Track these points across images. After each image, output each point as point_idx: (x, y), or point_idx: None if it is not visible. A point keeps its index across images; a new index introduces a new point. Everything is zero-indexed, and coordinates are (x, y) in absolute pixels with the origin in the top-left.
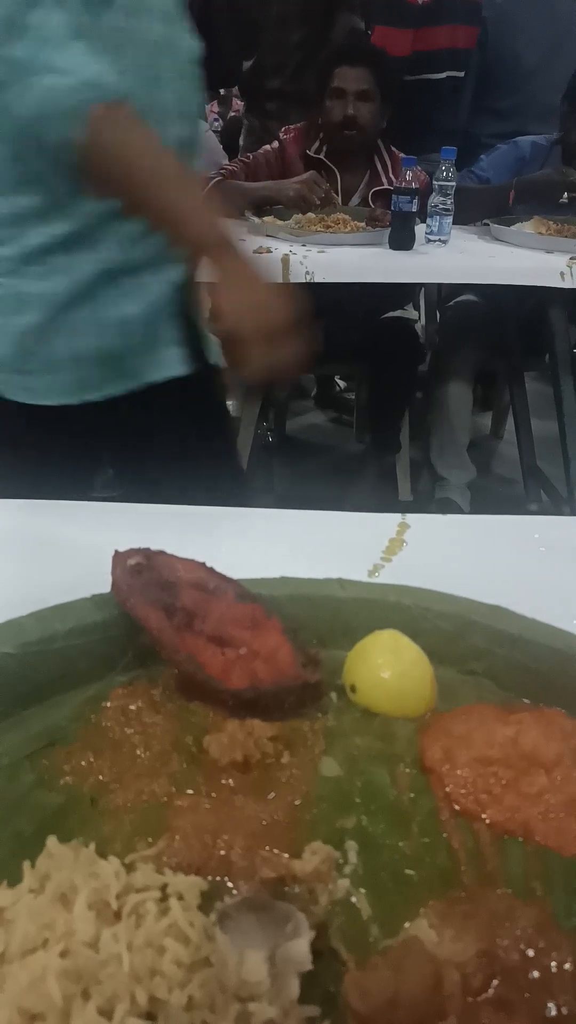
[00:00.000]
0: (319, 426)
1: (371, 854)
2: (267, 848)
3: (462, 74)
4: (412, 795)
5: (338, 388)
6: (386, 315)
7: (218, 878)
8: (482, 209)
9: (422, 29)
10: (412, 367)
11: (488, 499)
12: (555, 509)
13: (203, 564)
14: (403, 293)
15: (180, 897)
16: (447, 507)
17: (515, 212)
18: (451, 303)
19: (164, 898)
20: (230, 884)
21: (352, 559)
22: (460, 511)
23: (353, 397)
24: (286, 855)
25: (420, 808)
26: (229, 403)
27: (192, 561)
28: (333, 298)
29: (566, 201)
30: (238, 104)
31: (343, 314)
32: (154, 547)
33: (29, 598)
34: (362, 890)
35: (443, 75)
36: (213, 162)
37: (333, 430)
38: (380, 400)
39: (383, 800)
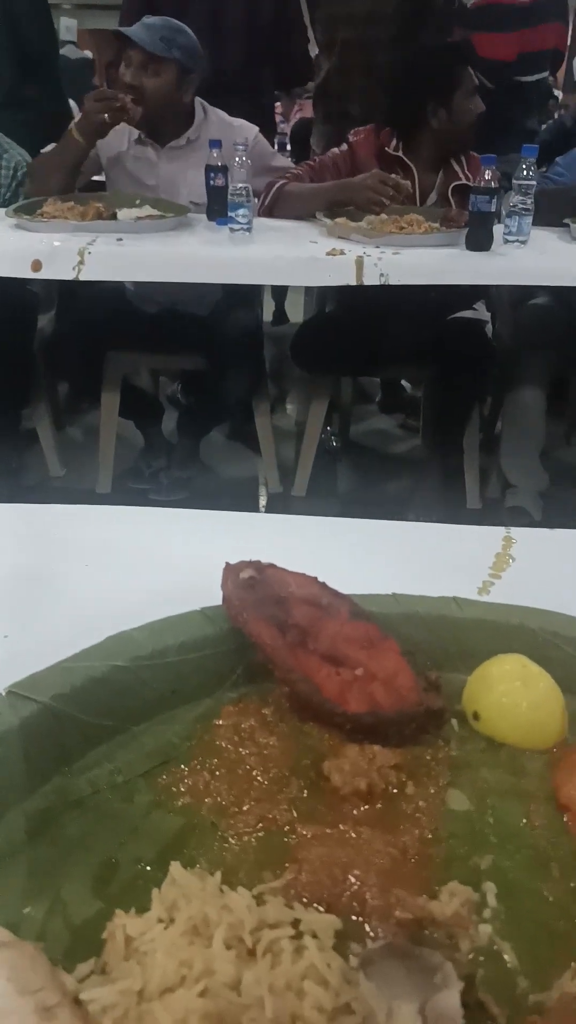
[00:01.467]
0: (384, 431)
1: (512, 898)
2: (400, 886)
3: (547, 74)
4: (549, 834)
5: (404, 392)
6: (454, 315)
7: (351, 917)
8: (562, 211)
9: (522, 31)
10: (483, 370)
11: (562, 508)
12: None
13: (315, 579)
14: (472, 293)
15: (314, 935)
16: (518, 516)
17: None
18: (526, 305)
19: (298, 935)
20: (363, 922)
21: (458, 575)
22: (531, 520)
23: (419, 400)
24: (423, 895)
25: (559, 850)
26: (292, 406)
27: (304, 575)
28: (400, 298)
29: None
30: (300, 104)
31: (410, 315)
32: (248, 555)
33: (132, 609)
34: (506, 940)
35: (539, 76)
36: (264, 166)
37: (398, 435)
38: (448, 404)
39: (519, 839)
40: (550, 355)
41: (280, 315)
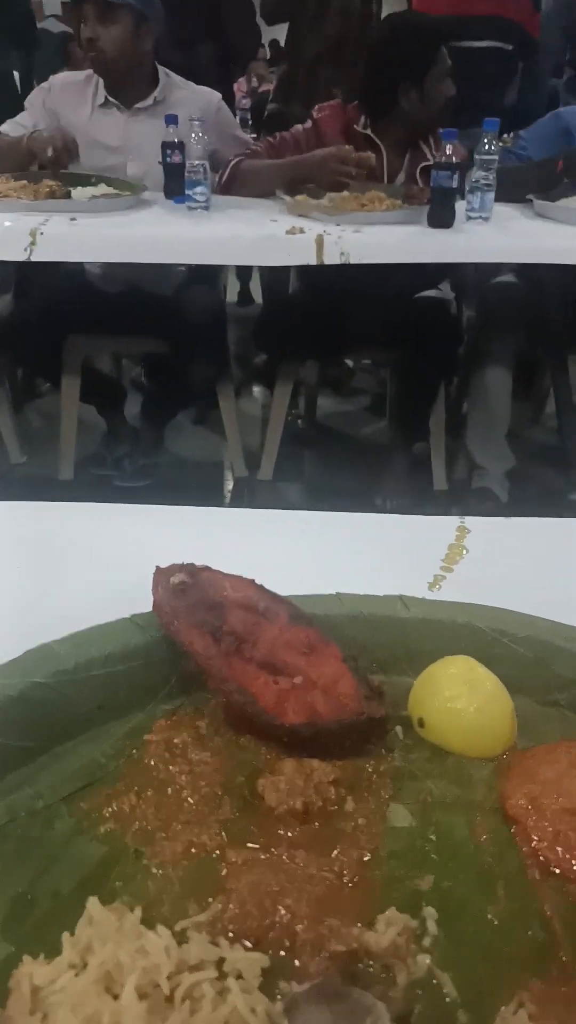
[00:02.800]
0: (351, 413)
1: (453, 923)
2: (335, 915)
3: (508, 47)
4: (495, 849)
5: (370, 373)
6: (419, 295)
7: (280, 952)
8: (525, 187)
9: None
10: (448, 351)
11: (527, 489)
12: None
13: (252, 581)
14: (437, 272)
15: (239, 976)
16: (484, 497)
17: (563, 187)
18: (491, 283)
19: (221, 976)
20: (293, 957)
21: (409, 568)
22: (498, 501)
23: (385, 382)
24: (357, 925)
25: (505, 865)
26: (258, 388)
27: (240, 578)
28: (363, 278)
29: None
30: (261, 81)
31: (374, 295)
32: (187, 553)
33: (60, 616)
34: (447, 970)
35: (484, 44)
36: (231, 138)
37: (365, 416)
38: (414, 385)
39: (463, 856)
40: (516, 335)
41: (245, 296)
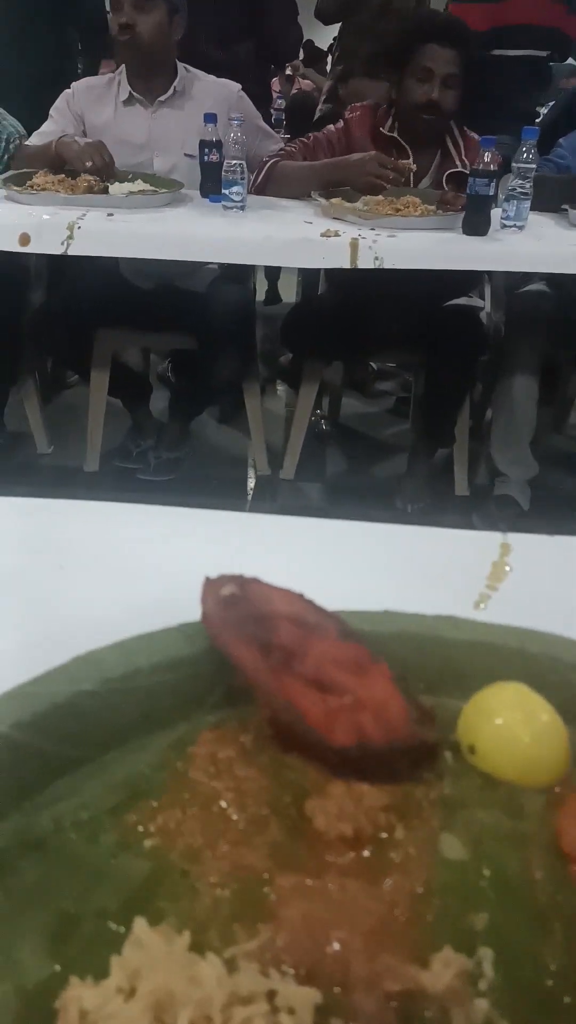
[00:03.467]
0: (375, 415)
1: (511, 966)
2: (389, 951)
3: (544, 54)
4: (550, 888)
5: (397, 377)
6: (450, 302)
7: (332, 988)
8: (562, 198)
9: (501, 3)
10: (474, 357)
11: (550, 497)
12: None
13: (301, 596)
14: (470, 280)
15: (291, 1011)
16: (506, 504)
17: None
18: (521, 291)
19: (272, 1010)
20: (346, 995)
21: (452, 585)
22: (520, 508)
23: (411, 386)
24: (413, 964)
25: (564, 906)
26: (283, 388)
27: (289, 592)
28: (393, 282)
29: None
30: (301, 82)
31: (403, 300)
32: (231, 560)
33: (106, 622)
34: (505, 1017)
35: (520, 52)
36: (254, 128)
37: (389, 420)
38: (438, 390)
39: (519, 894)
40: (542, 343)
41: (273, 295)
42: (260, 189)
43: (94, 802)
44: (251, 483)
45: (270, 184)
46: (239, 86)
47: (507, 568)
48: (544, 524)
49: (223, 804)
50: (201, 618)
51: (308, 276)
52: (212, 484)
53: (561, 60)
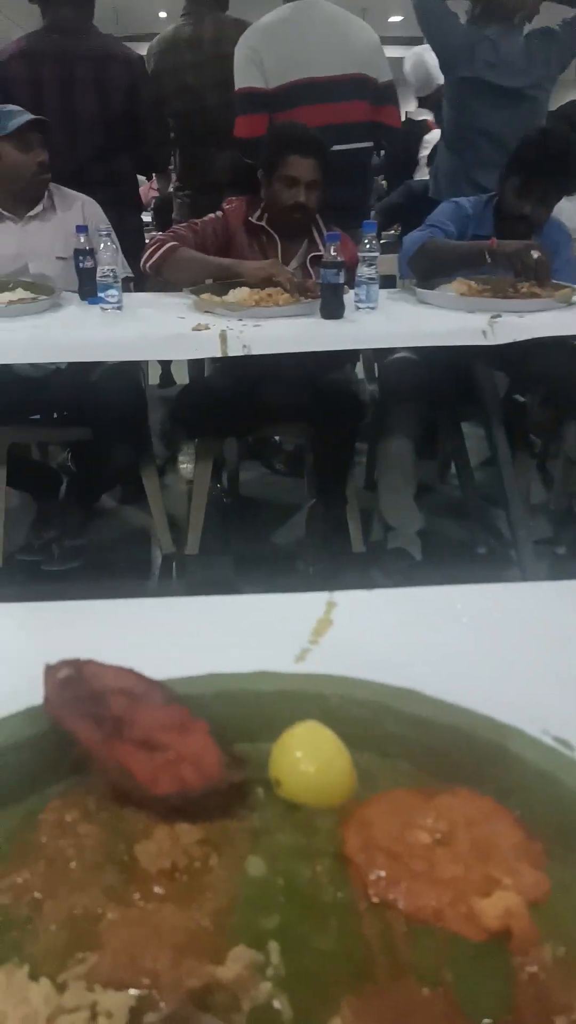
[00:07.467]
0: (272, 483)
1: (292, 954)
2: (193, 956)
3: (369, 145)
4: (332, 888)
5: (284, 447)
6: (327, 376)
7: (145, 992)
8: (446, 265)
9: (277, 113)
10: (353, 423)
11: (439, 545)
12: (501, 550)
13: (131, 671)
14: (343, 354)
15: (109, 1015)
16: (400, 557)
17: (487, 271)
18: (388, 360)
19: (93, 1016)
20: (155, 997)
21: (280, 643)
22: (412, 559)
23: (299, 453)
24: (209, 963)
25: (340, 901)
26: (183, 466)
27: (121, 668)
28: (273, 363)
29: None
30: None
31: (285, 377)
32: (78, 645)
33: None
34: (283, 993)
35: (342, 148)
36: None
37: (286, 486)
38: (326, 457)
39: (304, 896)
40: (414, 403)
41: (167, 378)
42: (156, 269)
43: None
44: (157, 561)
45: (167, 264)
46: (90, 199)
47: (331, 622)
48: (437, 572)
49: (65, 859)
50: (43, 701)
51: (195, 361)
52: (118, 567)
53: (388, 147)
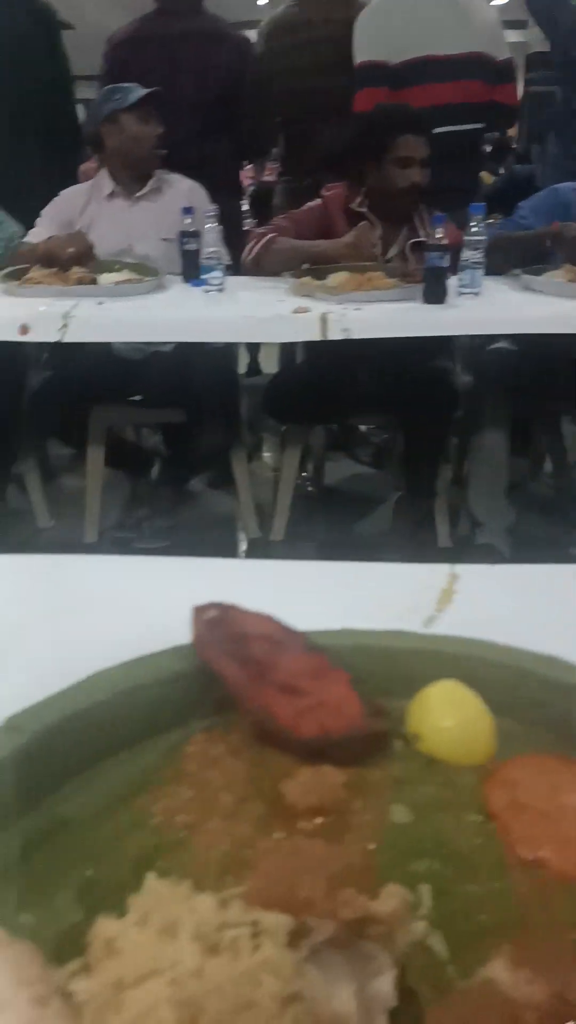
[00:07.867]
0: (358, 475)
1: (444, 898)
2: (346, 890)
3: (480, 125)
4: (479, 842)
5: (371, 440)
6: (422, 364)
7: (302, 917)
8: (517, 256)
9: (397, 90)
10: (446, 415)
11: (530, 543)
12: None
13: (270, 617)
14: (438, 343)
15: (271, 934)
16: (488, 552)
17: (552, 260)
18: (486, 350)
19: (256, 934)
20: (312, 923)
21: (406, 610)
22: (501, 556)
23: (387, 445)
24: (364, 897)
25: (488, 855)
26: (268, 454)
27: (260, 615)
28: (366, 350)
29: None
30: (271, 168)
31: (378, 366)
32: (213, 598)
33: (113, 651)
34: (438, 933)
35: (447, 129)
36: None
37: (372, 478)
38: (416, 448)
39: (453, 846)
40: (510, 397)
41: (254, 367)
42: (256, 262)
43: (110, 792)
44: (242, 546)
45: (267, 254)
46: (196, 183)
47: (454, 593)
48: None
49: (215, 789)
50: (191, 640)
51: (286, 348)
52: (205, 548)
53: (499, 129)
